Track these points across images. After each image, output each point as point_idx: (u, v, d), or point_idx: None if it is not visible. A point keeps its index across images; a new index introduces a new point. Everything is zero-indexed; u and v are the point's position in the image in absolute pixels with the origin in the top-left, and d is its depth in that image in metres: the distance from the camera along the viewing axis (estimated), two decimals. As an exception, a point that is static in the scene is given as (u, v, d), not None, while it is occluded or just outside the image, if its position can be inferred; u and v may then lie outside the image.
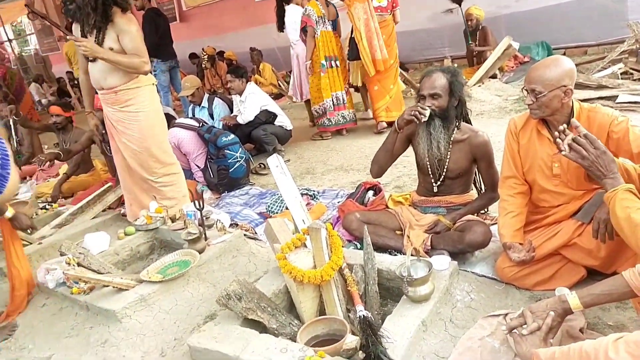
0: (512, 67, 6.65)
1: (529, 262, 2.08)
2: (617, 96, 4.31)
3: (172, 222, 3.22)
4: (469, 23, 6.54)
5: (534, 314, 1.46)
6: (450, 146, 2.50)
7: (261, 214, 3.42)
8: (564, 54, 6.99)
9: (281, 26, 5.75)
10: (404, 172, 3.78)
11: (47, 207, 4.16)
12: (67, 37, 2.89)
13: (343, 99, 5.31)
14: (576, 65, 5.47)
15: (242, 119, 4.69)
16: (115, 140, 3.20)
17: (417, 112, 2.35)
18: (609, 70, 4.98)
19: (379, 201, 2.90)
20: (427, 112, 2.35)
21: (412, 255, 1.98)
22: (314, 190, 3.48)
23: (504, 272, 2.16)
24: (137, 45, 2.94)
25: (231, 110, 5.05)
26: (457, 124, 2.50)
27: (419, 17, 8.02)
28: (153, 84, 3.15)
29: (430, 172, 2.58)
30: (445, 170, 2.54)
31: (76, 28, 3.06)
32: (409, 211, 2.69)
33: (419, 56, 8.44)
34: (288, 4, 5.65)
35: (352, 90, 5.71)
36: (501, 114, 4.92)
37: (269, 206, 3.33)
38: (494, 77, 6.11)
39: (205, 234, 2.81)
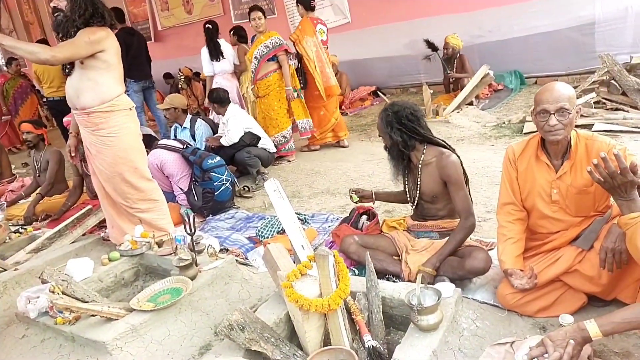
0: (488, 95, 6.84)
1: (531, 289, 2.09)
2: (593, 125, 4.47)
3: (159, 247, 3.11)
4: (445, 51, 6.73)
5: (554, 343, 1.46)
6: (420, 169, 2.55)
7: (250, 238, 3.35)
8: (536, 82, 7.26)
9: (219, 56, 5.91)
10: (392, 197, 3.79)
11: (21, 230, 3.96)
12: None
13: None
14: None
15: (226, 141, 4.62)
16: (91, 163, 3.10)
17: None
18: (581, 100, 5.17)
19: (374, 226, 2.89)
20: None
21: (421, 282, 1.96)
22: (304, 215, 3.44)
23: (506, 299, 2.16)
24: (64, 43, 2.81)
25: (214, 132, 4.98)
26: (424, 146, 2.55)
27: (395, 44, 8.19)
28: (130, 108, 3.03)
29: (408, 195, 2.69)
30: (418, 193, 2.59)
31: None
32: (404, 236, 2.68)
33: (395, 82, 8.58)
34: (218, 39, 5.93)
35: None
36: (481, 139, 5.02)
37: (259, 230, 3.27)
38: (470, 104, 6.26)
39: (196, 260, 2.72)
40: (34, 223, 4.22)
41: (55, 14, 2.87)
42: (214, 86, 5.81)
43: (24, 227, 4.06)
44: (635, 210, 1.59)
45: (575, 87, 5.82)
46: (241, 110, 4.95)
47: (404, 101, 2.61)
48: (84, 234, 3.65)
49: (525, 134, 4.89)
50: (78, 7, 2.80)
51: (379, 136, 2.67)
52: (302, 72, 5.42)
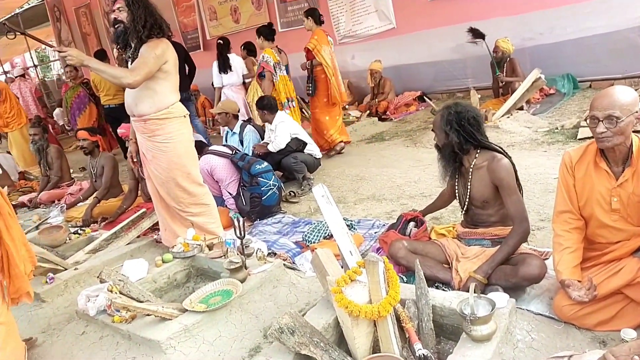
0: (539, 99, 6.63)
1: (590, 301, 2.01)
2: (654, 130, 4.26)
3: (210, 249, 3.19)
4: (495, 55, 6.57)
5: (617, 359, 1.39)
6: (471, 173, 2.50)
7: (297, 243, 3.38)
8: (590, 86, 6.98)
9: (227, 70, 6.42)
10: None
11: (80, 232, 4.16)
12: (53, 48, 2.92)
13: None
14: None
15: (273, 147, 4.70)
16: (146, 168, 3.23)
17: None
18: (641, 104, 4.94)
19: (422, 233, 2.85)
20: None
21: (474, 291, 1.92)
22: (350, 220, 3.43)
23: (562, 310, 2.08)
24: (137, 64, 2.90)
25: (262, 139, 5.08)
26: (477, 151, 2.49)
27: (442, 48, 8.07)
28: (184, 115, 3.15)
29: (458, 200, 2.64)
30: (468, 197, 2.53)
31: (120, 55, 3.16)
32: (454, 243, 2.64)
33: (442, 86, 8.45)
34: (229, 53, 6.47)
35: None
36: (533, 145, 4.87)
37: (305, 235, 3.29)
38: (520, 109, 6.08)
39: (245, 263, 2.77)
40: (91, 225, 4.42)
41: (116, 26, 3.00)
42: (222, 97, 6.37)
43: (83, 228, 4.27)
44: None
45: (636, 90, 5.57)
46: (288, 117, 5.01)
47: (468, 104, 2.58)
48: (138, 236, 3.80)
49: (579, 139, 4.71)
50: (139, 19, 2.90)
51: (432, 130, 2.63)
52: (313, 80, 5.75)
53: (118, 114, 6.63)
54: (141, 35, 2.92)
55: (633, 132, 1.99)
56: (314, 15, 5.71)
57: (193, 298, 2.58)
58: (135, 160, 3.45)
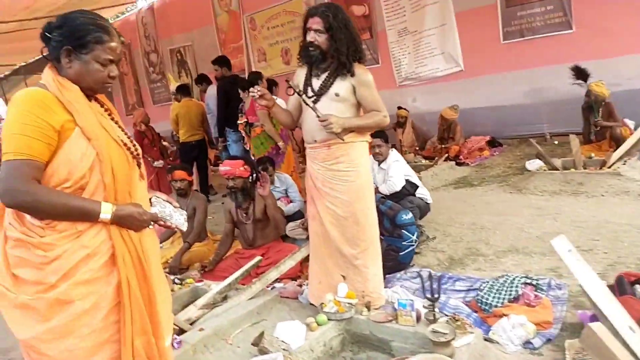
0: (640, 148, 6.16)
1: None
2: None
3: (368, 309, 2.63)
4: (587, 99, 6.18)
5: None
6: None
7: (467, 304, 2.80)
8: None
9: None
10: None
11: (176, 281, 3.58)
12: (317, 114, 2.57)
13: None
14: None
15: (387, 189, 4.17)
16: (316, 204, 2.77)
17: None
18: None
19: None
20: None
21: None
22: (536, 279, 2.84)
23: None
24: (376, 98, 2.65)
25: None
26: None
27: (512, 93, 7.72)
28: (367, 141, 2.75)
29: None
30: None
31: (301, 72, 2.75)
32: None
33: (511, 132, 8.01)
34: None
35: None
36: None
37: (482, 297, 2.72)
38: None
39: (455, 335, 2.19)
40: (185, 273, 3.85)
41: (310, 49, 2.61)
42: None
43: (181, 279, 3.67)
44: None
45: None
46: (401, 156, 4.51)
47: None
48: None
49: None
50: (341, 46, 2.56)
51: None
52: None
53: (196, 152, 6.86)
54: (343, 63, 2.59)
55: None
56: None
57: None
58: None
